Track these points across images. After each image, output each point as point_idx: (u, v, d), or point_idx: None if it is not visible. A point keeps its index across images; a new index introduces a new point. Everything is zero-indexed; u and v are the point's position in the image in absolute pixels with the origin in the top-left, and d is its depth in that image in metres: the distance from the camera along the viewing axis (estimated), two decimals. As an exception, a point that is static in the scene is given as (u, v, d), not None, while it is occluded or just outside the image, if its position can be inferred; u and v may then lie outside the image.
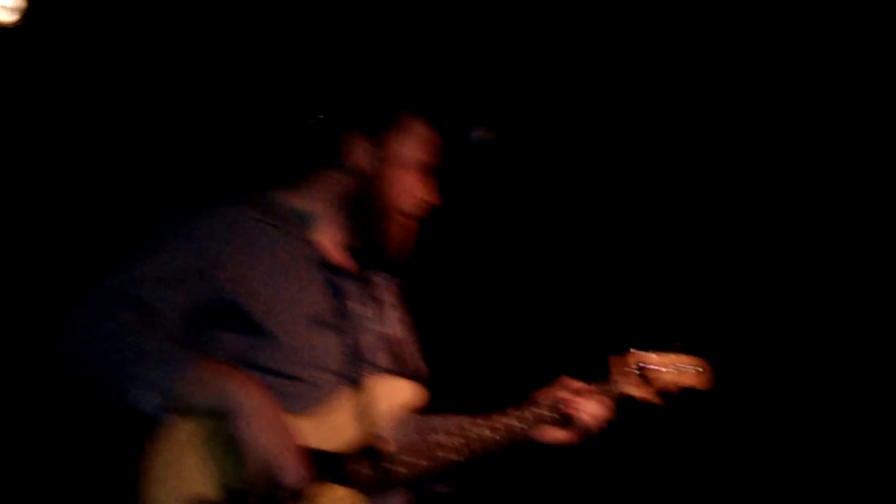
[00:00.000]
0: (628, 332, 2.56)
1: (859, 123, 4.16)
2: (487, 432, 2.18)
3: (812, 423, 4.10)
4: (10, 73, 3.51)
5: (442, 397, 2.30)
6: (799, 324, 4.21)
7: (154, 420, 1.79)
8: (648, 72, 4.07)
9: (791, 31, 3.97)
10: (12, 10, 3.32)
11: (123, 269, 1.95)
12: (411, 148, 2.19)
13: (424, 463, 2.05)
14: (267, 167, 2.24)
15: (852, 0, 3.78)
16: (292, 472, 1.77)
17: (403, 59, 3.52)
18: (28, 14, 3.33)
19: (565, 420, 2.30)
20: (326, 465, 1.90)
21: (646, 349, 2.52)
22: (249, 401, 1.79)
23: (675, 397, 2.52)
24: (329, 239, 2.21)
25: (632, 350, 2.51)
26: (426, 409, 2.22)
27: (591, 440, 2.33)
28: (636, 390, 2.47)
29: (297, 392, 1.97)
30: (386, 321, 2.26)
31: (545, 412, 2.28)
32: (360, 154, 2.18)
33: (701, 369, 2.56)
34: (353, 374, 2.06)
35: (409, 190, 2.18)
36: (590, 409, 2.30)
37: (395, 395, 2.10)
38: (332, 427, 1.97)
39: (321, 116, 2.19)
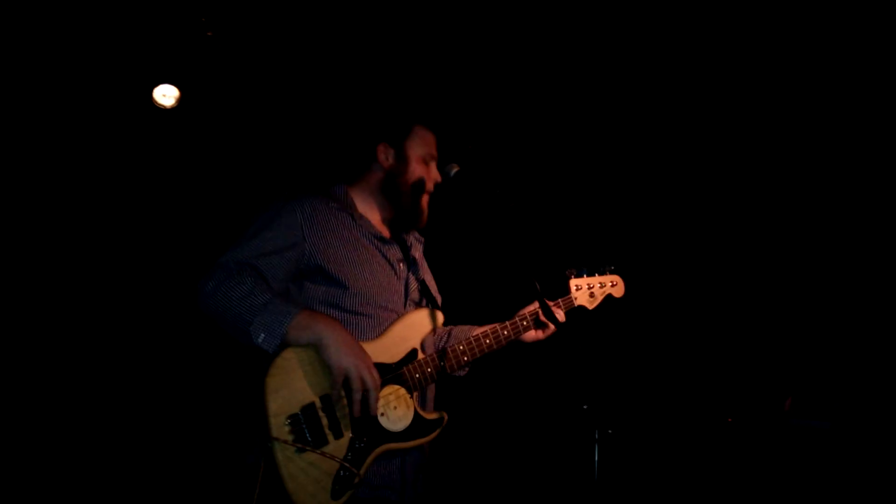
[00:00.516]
0: (576, 262, 3.47)
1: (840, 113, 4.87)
2: (489, 339, 3.09)
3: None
4: (170, 142, 5.19)
5: (454, 317, 3.25)
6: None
7: (272, 353, 2.65)
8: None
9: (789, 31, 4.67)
10: (172, 97, 5.07)
11: (243, 246, 2.79)
12: (420, 148, 3.11)
13: (447, 363, 2.96)
14: (334, 170, 3.14)
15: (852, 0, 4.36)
16: (366, 378, 2.65)
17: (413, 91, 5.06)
18: (181, 100, 5.08)
19: (539, 325, 3.23)
20: (385, 373, 2.81)
21: (591, 272, 3.45)
22: (332, 335, 2.66)
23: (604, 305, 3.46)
24: (375, 217, 3.11)
25: (583, 273, 3.44)
26: (446, 325, 3.16)
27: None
28: (587, 302, 3.42)
29: (365, 325, 2.88)
30: (418, 270, 3.14)
31: (526, 322, 3.20)
32: (389, 157, 3.10)
33: (615, 283, 3.51)
34: (401, 308, 2.97)
35: (422, 176, 3.09)
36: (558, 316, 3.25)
37: (427, 320, 3.00)
38: (389, 346, 2.88)
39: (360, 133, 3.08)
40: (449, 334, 3.31)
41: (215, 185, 5.29)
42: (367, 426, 2.74)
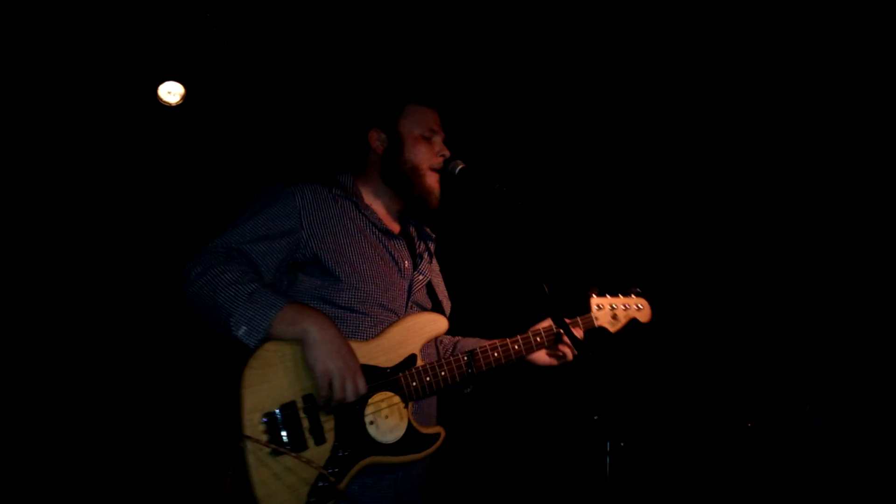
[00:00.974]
0: (599, 281, 3.19)
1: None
2: (497, 353, 2.81)
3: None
4: (175, 139, 5.10)
5: (459, 328, 2.97)
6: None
7: (253, 347, 2.40)
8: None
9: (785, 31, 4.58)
10: (177, 94, 4.96)
11: (235, 229, 2.56)
12: (415, 126, 2.85)
13: (449, 374, 2.68)
14: (339, 163, 2.95)
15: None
16: (348, 386, 2.39)
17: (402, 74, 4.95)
18: (186, 97, 4.96)
19: (553, 347, 2.94)
20: (377, 377, 2.54)
21: (613, 293, 3.17)
22: (320, 333, 2.40)
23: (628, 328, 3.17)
24: (382, 209, 2.86)
25: (606, 294, 3.15)
26: (452, 334, 2.87)
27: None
28: (609, 324, 3.13)
29: (360, 323, 2.61)
30: (424, 270, 2.88)
31: (539, 339, 2.91)
32: (382, 142, 2.87)
33: (641, 307, 3.22)
34: (402, 310, 2.71)
35: (421, 154, 2.82)
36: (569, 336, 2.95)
37: (430, 325, 2.72)
38: (385, 349, 2.60)
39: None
40: (455, 346, 3.03)
41: (220, 182, 5.12)
42: (354, 434, 2.47)
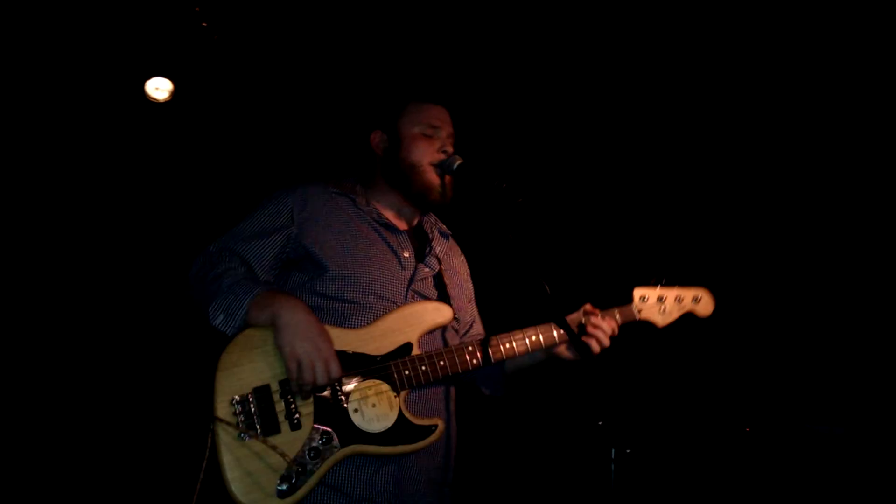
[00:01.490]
0: (647, 270, 2.89)
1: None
2: (507, 344, 2.60)
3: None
4: (163, 135, 5.04)
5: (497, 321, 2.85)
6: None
7: (230, 335, 2.40)
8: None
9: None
10: (165, 91, 4.90)
11: (229, 233, 2.63)
12: (414, 124, 2.79)
13: (446, 363, 2.51)
14: (345, 164, 2.99)
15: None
16: (318, 369, 2.30)
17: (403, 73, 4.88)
18: (174, 93, 4.91)
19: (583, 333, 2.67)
20: (364, 364, 2.43)
21: (662, 283, 2.85)
22: (287, 317, 2.35)
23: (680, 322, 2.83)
24: (390, 211, 2.80)
25: (652, 282, 2.84)
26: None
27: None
28: (658, 317, 2.81)
29: (351, 312, 2.53)
30: (432, 263, 2.78)
31: (557, 331, 2.66)
32: (383, 143, 2.84)
33: (700, 297, 2.85)
34: (401, 299, 2.61)
35: (419, 151, 2.74)
36: (604, 326, 2.67)
37: (431, 314, 2.58)
38: (376, 336, 2.50)
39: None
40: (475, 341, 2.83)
41: (210, 181, 5.01)
42: (335, 421, 2.36)
